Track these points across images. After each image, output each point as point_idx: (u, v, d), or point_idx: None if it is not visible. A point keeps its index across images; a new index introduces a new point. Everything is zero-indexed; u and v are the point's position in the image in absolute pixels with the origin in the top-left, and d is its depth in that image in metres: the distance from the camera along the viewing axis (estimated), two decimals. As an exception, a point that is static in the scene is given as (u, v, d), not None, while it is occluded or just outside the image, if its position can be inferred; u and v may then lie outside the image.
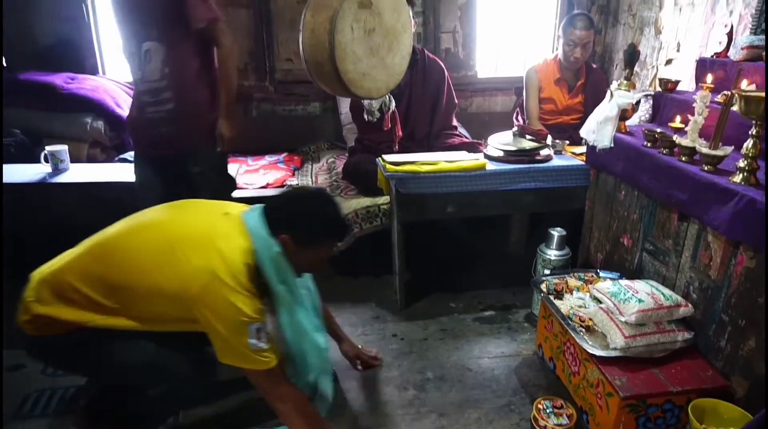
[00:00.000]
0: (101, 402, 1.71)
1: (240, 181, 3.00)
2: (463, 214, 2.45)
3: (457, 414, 1.85)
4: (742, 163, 1.51)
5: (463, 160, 2.37)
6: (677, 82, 2.24)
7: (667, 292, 1.73)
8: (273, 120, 3.75)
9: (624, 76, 2.10)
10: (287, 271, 1.57)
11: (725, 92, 1.80)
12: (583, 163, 2.39)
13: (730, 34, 2.25)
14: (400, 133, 2.82)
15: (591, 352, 1.67)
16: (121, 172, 2.66)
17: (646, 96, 2.50)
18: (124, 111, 3.07)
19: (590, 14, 3.32)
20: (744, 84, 1.67)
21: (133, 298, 1.46)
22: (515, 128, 2.51)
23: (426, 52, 2.95)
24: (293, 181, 3.12)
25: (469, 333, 2.33)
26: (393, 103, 2.72)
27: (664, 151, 1.83)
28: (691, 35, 2.82)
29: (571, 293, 2.00)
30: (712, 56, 2.29)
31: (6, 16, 3.16)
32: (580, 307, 1.90)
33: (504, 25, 4.03)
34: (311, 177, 3.22)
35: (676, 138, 1.77)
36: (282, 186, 3.03)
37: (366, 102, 2.66)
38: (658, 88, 2.30)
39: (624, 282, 1.83)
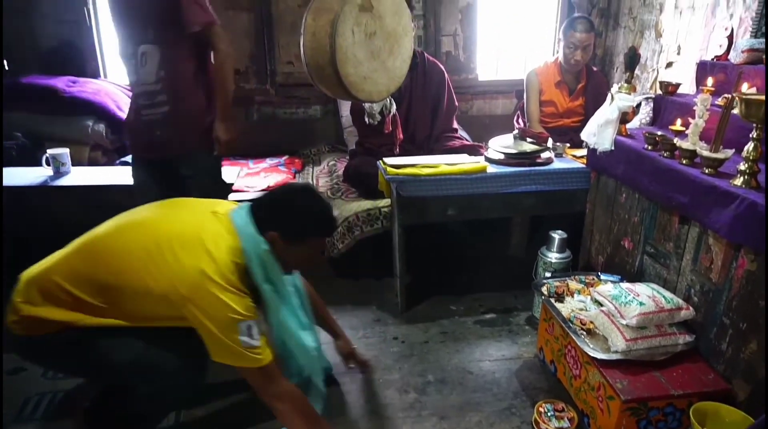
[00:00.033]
0: (101, 404, 1.71)
1: (241, 184, 3.01)
2: (463, 217, 2.45)
3: (458, 417, 1.85)
4: (742, 166, 1.51)
5: (463, 163, 2.37)
6: (678, 85, 2.24)
7: (668, 295, 1.73)
8: (274, 123, 3.76)
9: (624, 79, 2.11)
10: (274, 270, 1.56)
11: (726, 95, 1.80)
12: (583, 165, 2.39)
13: (730, 37, 2.25)
14: (401, 136, 2.82)
15: (592, 355, 1.67)
16: (123, 175, 2.66)
17: (647, 99, 2.50)
18: (125, 114, 3.06)
19: (590, 17, 3.33)
20: (744, 87, 1.67)
21: (121, 297, 1.45)
22: (516, 131, 2.51)
23: (426, 54, 2.96)
24: (294, 184, 3.13)
25: (470, 336, 2.33)
26: (394, 106, 2.72)
27: (665, 154, 1.83)
28: (691, 38, 2.83)
29: (572, 296, 2.00)
30: (712, 59, 2.29)
31: (8, 20, 3.17)
32: (581, 310, 1.90)
33: (504, 28, 4.03)
34: (312, 180, 3.22)
35: (676, 141, 1.77)
36: (283, 189, 3.03)
37: (367, 105, 2.67)
38: (659, 91, 2.31)
39: (625, 285, 1.83)
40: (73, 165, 2.80)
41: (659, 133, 1.91)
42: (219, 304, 1.40)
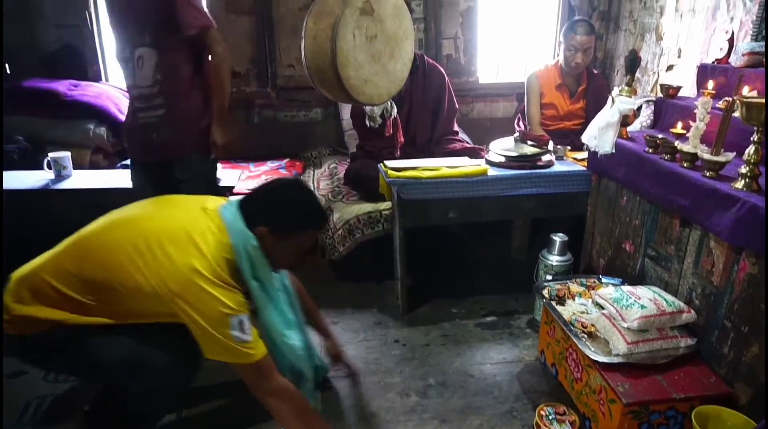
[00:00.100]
0: (101, 404, 1.70)
1: (242, 187, 3.01)
2: (464, 220, 2.45)
3: (459, 420, 1.85)
4: (743, 169, 1.51)
5: (464, 165, 2.37)
6: (678, 88, 2.24)
7: (670, 298, 1.73)
8: (275, 126, 3.77)
9: (625, 82, 2.11)
10: (262, 266, 1.55)
11: (726, 98, 1.80)
12: (584, 168, 2.39)
13: (731, 41, 2.25)
14: (402, 139, 2.83)
15: (593, 358, 1.67)
16: (124, 178, 2.66)
17: (648, 102, 2.50)
18: (126, 117, 3.09)
19: (591, 20, 3.33)
20: (745, 90, 1.67)
21: (110, 294, 1.44)
22: (517, 134, 2.51)
23: (426, 57, 2.96)
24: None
25: (471, 339, 2.32)
26: (395, 109, 2.73)
27: (666, 157, 1.83)
28: (692, 41, 2.83)
29: (574, 299, 2.00)
30: (713, 62, 2.30)
31: (10, 24, 3.19)
32: (583, 313, 1.90)
33: (505, 31, 4.04)
34: (313, 182, 3.22)
35: (677, 144, 1.77)
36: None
37: (368, 108, 2.68)
38: (660, 94, 2.31)
39: (626, 288, 1.83)
40: (74, 168, 2.81)
41: (660, 136, 1.91)
42: (209, 298, 1.40)
